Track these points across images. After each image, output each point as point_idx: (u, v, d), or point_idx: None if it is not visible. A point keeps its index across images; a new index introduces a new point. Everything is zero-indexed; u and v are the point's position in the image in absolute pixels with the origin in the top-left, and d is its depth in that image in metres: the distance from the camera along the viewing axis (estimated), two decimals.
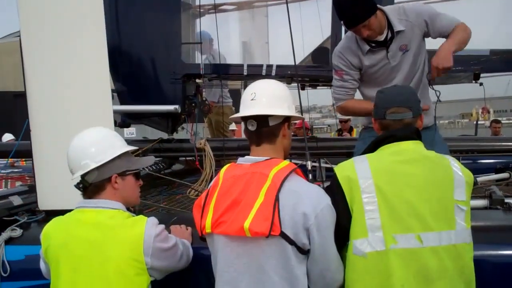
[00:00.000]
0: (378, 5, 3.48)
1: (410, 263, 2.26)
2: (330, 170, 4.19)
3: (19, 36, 3.39)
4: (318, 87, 5.83)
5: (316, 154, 4.92)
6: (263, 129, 2.40)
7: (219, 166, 4.69)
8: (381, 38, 3.54)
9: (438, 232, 2.29)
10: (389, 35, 3.54)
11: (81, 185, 2.53)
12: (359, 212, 2.31)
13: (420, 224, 2.29)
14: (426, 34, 3.60)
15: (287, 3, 3.19)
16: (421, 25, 3.55)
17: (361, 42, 3.59)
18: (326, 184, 2.70)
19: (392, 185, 2.34)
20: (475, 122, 11.37)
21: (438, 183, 2.37)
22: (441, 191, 2.36)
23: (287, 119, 2.46)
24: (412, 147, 2.49)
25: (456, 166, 2.44)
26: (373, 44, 3.57)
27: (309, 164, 2.90)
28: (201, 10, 5.73)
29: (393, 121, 2.54)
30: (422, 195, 2.33)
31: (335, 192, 2.38)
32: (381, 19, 3.49)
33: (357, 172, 2.38)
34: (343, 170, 2.44)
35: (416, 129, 2.56)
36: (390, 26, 3.53)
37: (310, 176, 3.02)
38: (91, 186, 2.52)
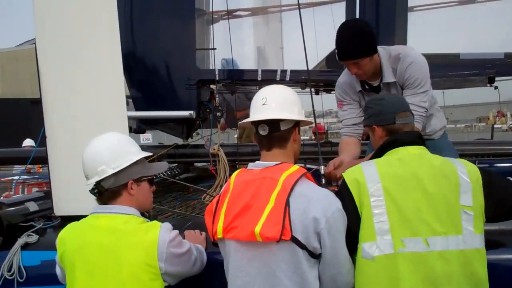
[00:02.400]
0: (378, 49, 3.36)
1: (418, 267, 2.26)
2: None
3: (35, 43, 3.42)
4: (332, 92, 5.81)
5: (330, 158, 4.90)
6: (275, 133, 2.41)
7: (233, 171, 4.70)
8: (375, 83, 3.45)
9: (445, 237, 2.29)
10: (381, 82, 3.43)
11: (96, 191, 2.55)
12: (368, 215, 2.32)
13: (428, 228, 2.29)
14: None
15: (299, 8, 3.18)
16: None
17: (356, 80, 3.50)
18: None
19: (400, 189, 2.35)
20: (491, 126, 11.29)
21: (444, 188, 2.37)
22: (447, 196, 2.36)
23: (297, 123, 2.48)
24: (418, 152, 2.52)
25: (462, 171, 2.42)
26: (367, 87, 3.49)
27: (322, 169, 2.89)
28: (215, 16, 5.74)
29: (403, 125, 2.59)
30: (429, 199, 2.34)
31: (344, 196, 2.39)
32: (377, 63, 3.36)
33: (365, 176, 2.39)
34: (351, 174, 2.46)
35: (420, 134, 2.62)
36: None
37: (324, 180, 3.02)
38: (107, 191, 2.53)
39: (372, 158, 2.60)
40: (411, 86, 3.33)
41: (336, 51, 3.32)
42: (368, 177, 2.38)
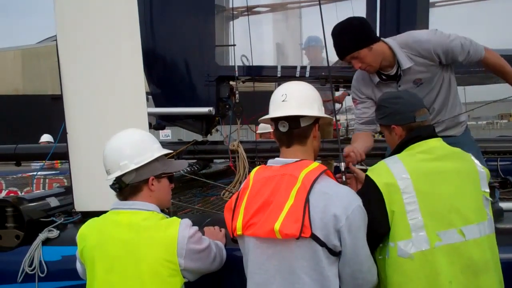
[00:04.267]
0: (384, 40, 3.36)
1: (456, 258, 2.28)
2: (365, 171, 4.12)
3: (56, 40, 3.44)
4: None
5: None
6: (295, 130, 2.40)
7: (252, 167, 4.69)
8: (392, 72, 3.41)
9: (477, 224, 2.35)
10: (399, 70, 3.40)
11: (117, 186, 2.56)
12: (401, 213, 2.32)
13: (460, 218, 2.33)
14: (449, 61, 3.42)
15: (320, 4, 3.15)
16: (434, 59, 3.35)
17: (373, 74, 3.48)
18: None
19: (429, 183, 2.37)
20: None
21: (468, 176, 2.45)
22: (471, 183, 2.44)
23: (317, 120, 2.47)
24: (438, 144, 2.56)
25: (475, 160, 2.54)
26: (384, 77, 3.47)
27: (342, 166, 2.87)
28: (235, 12, 5.73)
29: (421, 122, 2.60)
30: (457, 189, 2.38)
31: (371, 196, 2.38)
32: (383, 53, 3.33)
33: (394, 174, 2.39)
34: (378, 174, 2.45)
35: (434, 128, 2.68)
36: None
37: (344, 177, 2.99)
38: (127, 187, 2.55)
39: (392, 154, 2.60)
40: (447, 51, 3.31)
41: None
42: (396, 174, 2.39)
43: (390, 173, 2.40)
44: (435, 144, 2.54)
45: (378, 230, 2.35)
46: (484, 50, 3.32)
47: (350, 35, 3.21)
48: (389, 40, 3.38)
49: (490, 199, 2.46)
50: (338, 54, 3.35)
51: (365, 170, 2.65)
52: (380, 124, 2.78)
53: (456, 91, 3.58)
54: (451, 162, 2.47)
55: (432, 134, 2.60)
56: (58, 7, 3.42)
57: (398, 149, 2.59)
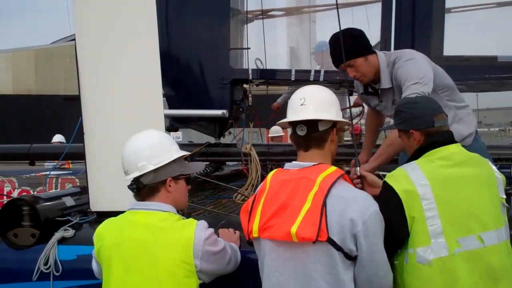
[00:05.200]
0: (378, 54, 3.44)
1: (475, 264, 2.29)
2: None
3: (74, 41, 3.47)
4: None
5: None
6: (313, 134, 2.41)
7: (265, 171, 4.70)
8: (377, 86, 3.51)
9: (495, 230, 2.35)
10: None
11: (134, 186, 2.58)
12: (421, 220, 2.33)
13: (479, 224, 2.33)
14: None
15: (337, 8, 3.17)
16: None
17: (360, 83, 3.61)
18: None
19: (448, 189, 2.38)
20: None
21: (486, 181, 2.46)
22: (489, 189, 2.44)
23: (334, 124, 2.47)
24: (457, 150, 2.56)
25: (493, 166, 2.55)
26: (370, 90, 3.56)
27: (357, 170, 2.88)
28: (249, 16, 5.74)
29: (440, 127, 2.59)
30: (475, 195, 2.38)
31: (391, 203, 2.38)
32: (376, 66, 3.43)
33: (412, 181, 2.39)
34: (397, 180, 2.44)
35: (452, 133, 2.65)
36: None
37: (358, 171, 3.00)
38: (145, 188, 2.56)
39: (410, 160, 2.60)
40: (402, 85, 3.33)
41: None
42: (415, 181, 2.39)
43: (409, 179, 2.40)
44: (454, 150, 2.54)
45: (398, 237, 2.35)
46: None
47: (348, 43, 3.23)
48: (381, 56, 3.46)
49: (507, 205, 2.47)
50: (334, 61, 3.46)
51: (377, 175, 2.66)
52: (398, 129, 2.77)
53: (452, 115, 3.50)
54: (469, 168, 2.47)
55: (451, 140, 2.59)
56: (78, 8, 3.45)
57: (417, 155, 2.58)
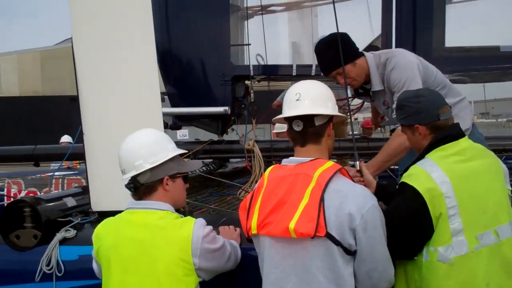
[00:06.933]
0: (366, 56, 3.43)
1: (492, 260, 2.28)
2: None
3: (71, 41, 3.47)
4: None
5: (367, 154, 4.84)
6: (309, 129, 2.40)
7: (268, 167, 4.68)
8: (368, 86, 3.52)
9: (509, 223, 2.35)
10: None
11: (132, 185, 2.57)
12: (444, 218, 2.31)
13: (493, 218, 2.33)
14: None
15: (333, 2, 3.14)
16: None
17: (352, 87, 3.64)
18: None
19: (465, 186, 2.36)
20: None
21: (496, 174, 2.45)
22: (499, 181, 2.44)
23: (331, 119, 2.46)
24: (469, 144, 2.53)
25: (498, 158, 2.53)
26: (361, 91, 3.58)
27: (357, 165, 2.86)
28: (250, 12, 5.72)
29: (445, 120, 2.54)
30: (489, 188, 2.38)
31: (414, 202, 2.35)
32: (365, 68, 3.44)
33: (434, 179, 2.36)
34: (417, 179, 2.40)
35: (460, 126, 2.61)
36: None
37: (358, 164, 2.98)
38: (142, 186, 2.56)
39: (421, 155, 2.56)
40: (396, 91, 3.33)
41: None
42: (437, 179, 2.35)
43: (429, 177, 2.36)
44: (466, 144, 2.51)
45: (424, 236, 2.33)
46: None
47: (335, 51, 3.18)
48: (369, 57, 3.45)
49: None
50: (323, 70, 3.47)
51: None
52: (401, 124, 2.72)
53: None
54: (480, 160, 2.46)
55: (461, 133, 2.56)
56: (72, 9, 3.45)
57: (428, 150, 2.53)
